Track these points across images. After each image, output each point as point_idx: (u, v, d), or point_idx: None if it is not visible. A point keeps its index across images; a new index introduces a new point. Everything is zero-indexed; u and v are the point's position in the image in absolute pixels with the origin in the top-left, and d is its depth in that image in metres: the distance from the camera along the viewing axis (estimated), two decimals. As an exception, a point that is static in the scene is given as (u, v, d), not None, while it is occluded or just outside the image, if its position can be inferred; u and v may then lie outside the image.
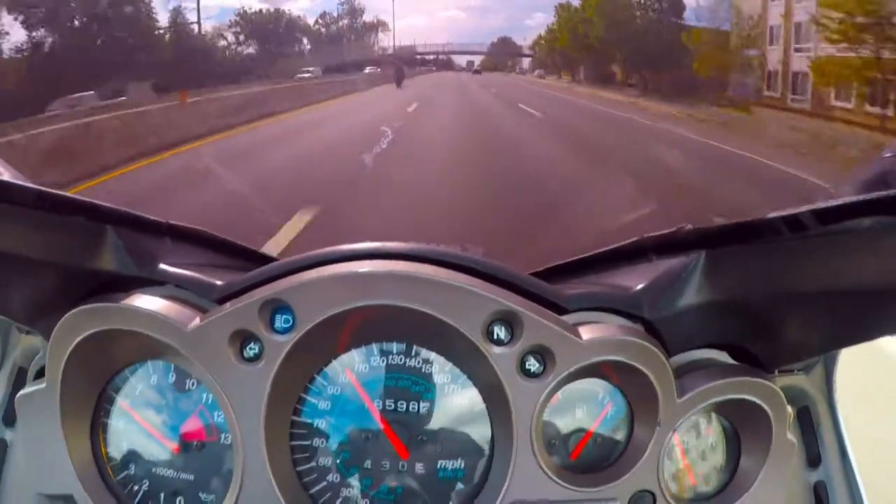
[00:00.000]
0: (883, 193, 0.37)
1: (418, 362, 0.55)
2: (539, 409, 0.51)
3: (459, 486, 0.54)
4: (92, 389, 0.56)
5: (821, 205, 0.42)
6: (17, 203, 0.45)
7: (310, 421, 0.54)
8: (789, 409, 0.57)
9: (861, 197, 0.38)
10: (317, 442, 0.54)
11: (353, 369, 0.55)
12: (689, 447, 0.58)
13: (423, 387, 0.55)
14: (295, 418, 0.54)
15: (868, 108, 4.51)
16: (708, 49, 5.69)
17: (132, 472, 0.56)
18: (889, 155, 0.62)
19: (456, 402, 0.55)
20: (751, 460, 0.57)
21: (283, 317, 0.50)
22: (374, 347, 0.55)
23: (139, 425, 0.56)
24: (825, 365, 0.67)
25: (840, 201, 0.39)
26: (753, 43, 5.44)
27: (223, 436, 0.55)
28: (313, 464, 0.54)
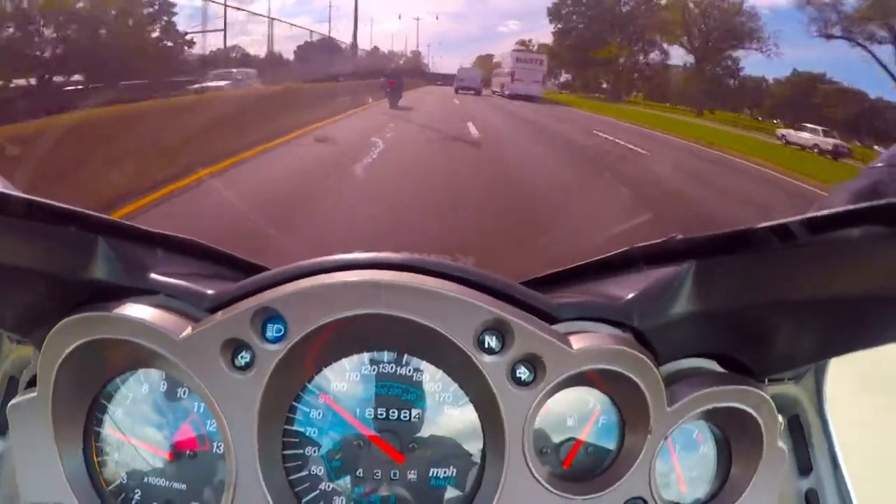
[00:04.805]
0: (873, 203, 0.37)
1: (409, 371, 0.55)
2: (530, 417, 0.51)
3: (451, 494, 0.55)
4: (84, 398, 0.56)
5: (811, 215, 0.42)
6: (8, 213, 0.45)
7: (302, 429, 0.54)
8: (780, 417, 0.57)
9: (851, 206, 0.39)
10: (309, 450, 0.54)
11: (344, 378, 0.55)
12: (681, 455, 0.58)
13: (414, 395, 0.55)
14: (287, 427, 0.54)
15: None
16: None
17: (124, 482, 0.56)
18: (878, 165, 0.62)
19: (447, 410, 0.55)
20: (742, 468, 0.57)
21: (275, 326, 0.50)
22: (365, 356, 0.55)
23: (131, 434, 0.56)
24: (815, 374, 0.67)
25: (830, 211, 0.40)
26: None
27: (215, 445, 0.55)
28: (305, 472, 0.54)
